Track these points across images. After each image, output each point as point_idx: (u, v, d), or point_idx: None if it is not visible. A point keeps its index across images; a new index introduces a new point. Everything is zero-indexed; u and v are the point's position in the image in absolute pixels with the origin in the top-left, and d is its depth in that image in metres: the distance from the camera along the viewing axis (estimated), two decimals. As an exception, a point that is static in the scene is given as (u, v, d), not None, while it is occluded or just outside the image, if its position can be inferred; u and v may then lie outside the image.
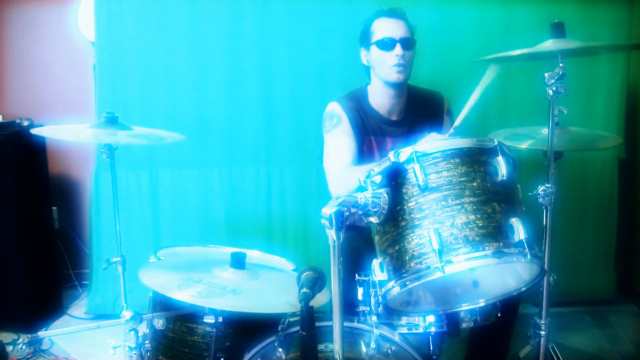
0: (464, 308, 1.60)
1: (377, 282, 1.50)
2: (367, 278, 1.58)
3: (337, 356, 1.35)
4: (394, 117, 2.34)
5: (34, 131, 2.04)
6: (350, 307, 1.58)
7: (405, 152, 1.46)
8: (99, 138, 2.01)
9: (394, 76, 2.25)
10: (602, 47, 2.10)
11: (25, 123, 3.17)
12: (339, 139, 2.31)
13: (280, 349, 1.65)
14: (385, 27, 2.26)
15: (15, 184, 3.03)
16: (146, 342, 1.86)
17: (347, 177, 2.18)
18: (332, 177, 2.29)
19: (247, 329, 1.83)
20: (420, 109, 2.36)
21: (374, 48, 2.27)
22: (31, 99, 3.53)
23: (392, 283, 1.45)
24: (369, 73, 2.36)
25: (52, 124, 2.10)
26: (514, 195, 1.50)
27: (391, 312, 1.58)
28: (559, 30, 1.92)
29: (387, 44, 2.24)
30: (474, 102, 1.93)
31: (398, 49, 2.23)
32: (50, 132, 2.04)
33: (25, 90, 3.55)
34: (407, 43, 2.25)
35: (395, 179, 1.47)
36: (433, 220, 1.41)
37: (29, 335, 2.86)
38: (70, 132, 2.05)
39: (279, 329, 1.69)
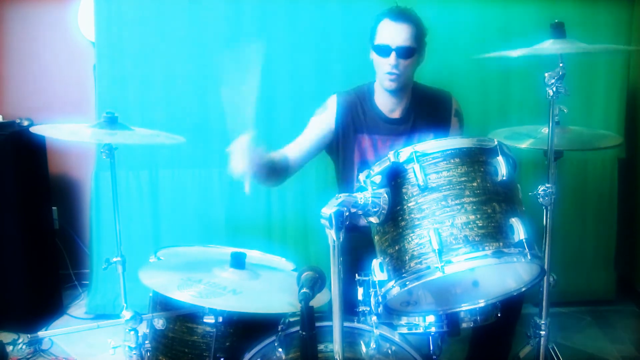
0: (464, 308, 1.59)
1: (377, 282, 1.49)
2: (367, 278, 1.58)
3: (337, 356, 1.35)
4: (395, 115, 2.33)
5: (33, 129, 2.04)
6: (350, 307, 1.58)
7: (405, 152, 1.46)
8: (98, 137, 2.00)
9: (386, 83, 2.23)
10: (602, 49, 2.09)
11: (25, 123, 3.17)
12: (310, 125, 2.34)
13: (280, 349, 1.65)
14: (386, 32, 2.20)
15: (15, 184, 3.03)
16: (146, 342, 1.86)
17: None
18: None
19: (247, 329, 1.83)
20: (425, 109, 2.33)
21: (373, 51, 2.24)
22: (31, 99, 3.53)
23: (392, 283, 1.45)
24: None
25: (52, 124, 2.10)
26: (514, 195, 1.50)
27: (391, 312, 1.58)
28: (559, 30, 1.92)
29: (382, 51, 2.18)
30: None
31: (392, 58, 2.16)
32: (50, 131, 2.03)
33: (25, 90, 3.54)
34: (404, 52, 2.17)
35: (395, 179, 1.47)
36: (433, 220, 1.41)
37: (29, 335, 2.86)
38: (69, 132, 2.04)
39: (279, 329, 1.69)
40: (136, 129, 2.07)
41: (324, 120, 2.33)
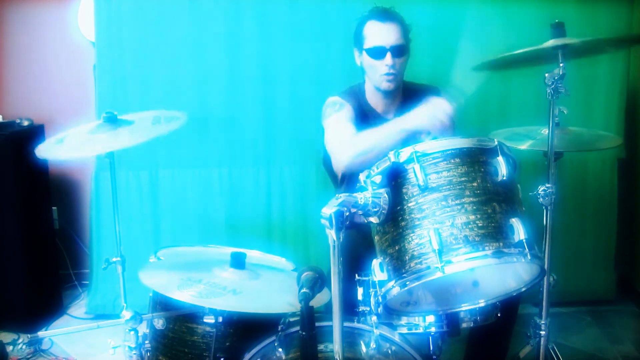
0: (463, 308, 1.59)
1: (377, 282, 1.49)
2: (367, 278, 1.58)
3: (337, 356, 1.35)
4: (390, 116, 2.33)
5: (38, 153, 1.95)
6: (350, 307, 1.58)
7: (405, 152, 1.46)
8: (100, 146, 1.97)
9: (384, 85, 2.23)
10: (603, 41, 2.10)
11: (25, 123, 3.17)
12: (341, 122, 2.22)
13: (280, 349, 1.65)
14: (376, 34, 2.20)
15: (15, 184, 3.03)
16: (146, 342, 1.86)
17: (356, 142, 2.06)
18: (339, 147, 2.13)
19: (247, 329, 1.83)
20: (416, 106, 2.33)
21: (365, 54, 2.23)
22: (31, 99, 3.53)
23: (392, 283, 1.45)
24: (364, 72, 2.34)
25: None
26: (514, 196, 1.50)
27: (391, 312, 1.58)
28: (559, 30, 1.93)
29: (377, 53, 2.19)
30: None
31: (388, 59, 2.18)
32: (51, 152, 2.02)
33: (25, 90, 3.54)
34: (398, 50, 2.19)
35: (396, 179, 1.47)
36: (433, 220, 1.41)
37: (29, 335, 2.86)
38: (71, 146, 1.99)
39: (279, 329, 1.69)
40: (136, 115, 2.05)
41: (347, 114, 2.25)
